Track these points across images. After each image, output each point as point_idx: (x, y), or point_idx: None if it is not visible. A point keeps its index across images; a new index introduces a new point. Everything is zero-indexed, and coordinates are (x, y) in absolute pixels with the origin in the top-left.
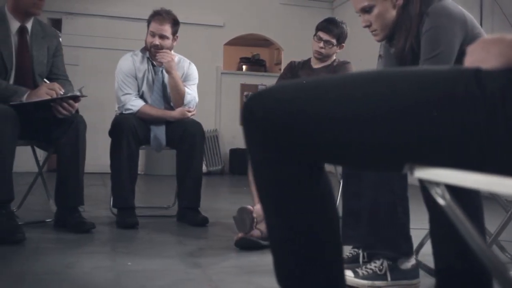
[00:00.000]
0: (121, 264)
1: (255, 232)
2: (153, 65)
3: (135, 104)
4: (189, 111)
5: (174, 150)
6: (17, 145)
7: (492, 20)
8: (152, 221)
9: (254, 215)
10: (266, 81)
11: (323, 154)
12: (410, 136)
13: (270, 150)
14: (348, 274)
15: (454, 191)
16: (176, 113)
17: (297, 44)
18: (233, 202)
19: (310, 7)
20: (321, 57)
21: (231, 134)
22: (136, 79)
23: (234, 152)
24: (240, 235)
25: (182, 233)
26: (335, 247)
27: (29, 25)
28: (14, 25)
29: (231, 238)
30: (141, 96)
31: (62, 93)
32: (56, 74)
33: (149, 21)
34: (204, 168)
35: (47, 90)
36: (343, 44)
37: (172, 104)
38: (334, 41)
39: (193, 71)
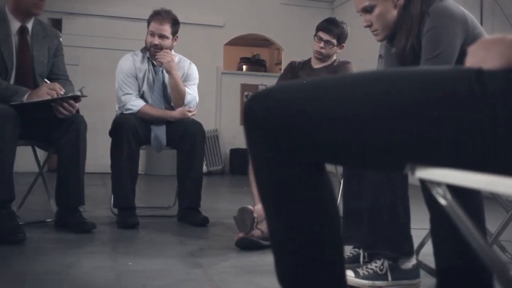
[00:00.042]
0: (122, 264)
1: (256, 232)
2: (154, 65)
3: (135, 104)
4: (190, 111)
5: (174, 150)
6: (18, 145)
7: (492, 20)
8: (153, 221)
9: (255, 215)
10: (266, 81)
11: (323, 154)
12: (411, 136)
13: (270, 150)
14: (349, 274)
15: (455, 191)
16: (176, 113)
17: (297, 44)
18: (234, 202)
19: (310, 7)
20: (322, 57)
21: (231, 134)
22: (137, 79)
23: (234, 152)
24: (240, 235)
25: (182, 233)
26: (336, 247)
27: (29, 25)
28: (15, 25)
29: (232, 238)
30: (142, 96)
31: (62, 93)
32: (56, 74)
33: (149, 21)
34: (204, 168)
35: (48, 90)
36: (344, 44)
37: (172, 104)
38: (334, 41)
39: (194, 71)
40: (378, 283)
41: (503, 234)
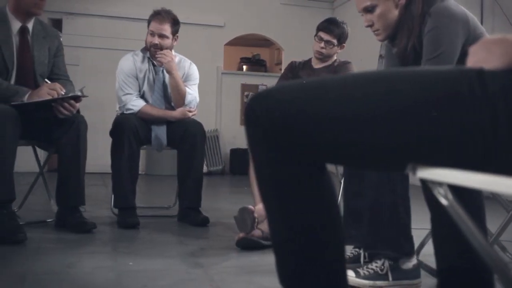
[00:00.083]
0: (122, 264)
1: (256, 232)
2: (154, 65)
3: (136, 104)
4: (190, 111)
5: (175, 150)
6: (18, 145)
7: (492, 21)
8: (153, 221)
9: (255, 215)
10: (266, 81)
11: (323, 154)
12: (411, 136)
13: (271, 150)
14: (350, 274)
15: (456, 191)
16: (177, 113)
17: (298, 44)
18: (234, 202)
19: (310, 7)
20: (322, 57)
21: (231, 134)
22: (137, 79)
23: (234, 152)
24: (241, 235)
25: (183, 233)
26: (337, 247)
27: (30, 25)
28: (15, 25)
29: (232, 238)
30: (142, 96)
31: (63, 93)
32: (57, 74)
33: (149, 21)
34: (204, 168)
35: (48, 90)
36: (344, 44)
37: (173, 104)
38: (335, 41)
39: (194, 71)
40: (378, 283)
41: (503, 234)
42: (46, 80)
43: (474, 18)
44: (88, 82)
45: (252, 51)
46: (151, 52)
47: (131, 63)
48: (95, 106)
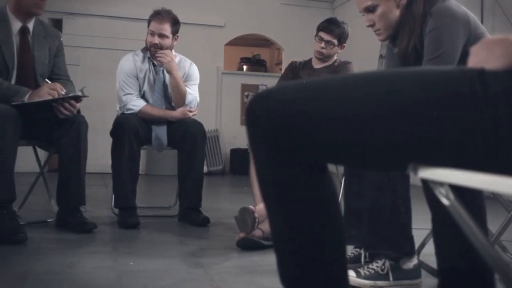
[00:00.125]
0: (123, 264)
1: (257, 232)
2: (154, 65)
3: (136, 104)
4: (190, 111)
5: (175, 150)
6: (19, 145)
7: (493, 21)
8: (154, 221)
9: (256, 215)
10: (266, 81)
11: (323, 154)
12: (412, 136)
13: (271, 150)
14: (350, 274)
15: (457, 191)
16: (177, 113)
17: (298, 44)
18: (234, 202)
19: (310, 7)
20: (322, 57)
21: (231, 134)
22: (138, 79)
23: (234, 152)
24: (241, 235)
25: (183, 233)
26: (338, 247)
27: (30, 25)
28: (16, 25)
29: (233, 238)
30: (142, 96)
31: (63, 93)
32: (57, 74)
33: (149, 21)
34: (205, 168)
35: (49, 90)
36: (344, 44)
37: (173, 104)
38: (335, 41)
39: (194, 71)
40: (379, 283)
41: (504, 234)
42: (47, 80)
43: (475, 18)
44: (88, 82)
45: (252, 51)
46: (151, 52)
47: (131, 63)
48: (96, 106)
